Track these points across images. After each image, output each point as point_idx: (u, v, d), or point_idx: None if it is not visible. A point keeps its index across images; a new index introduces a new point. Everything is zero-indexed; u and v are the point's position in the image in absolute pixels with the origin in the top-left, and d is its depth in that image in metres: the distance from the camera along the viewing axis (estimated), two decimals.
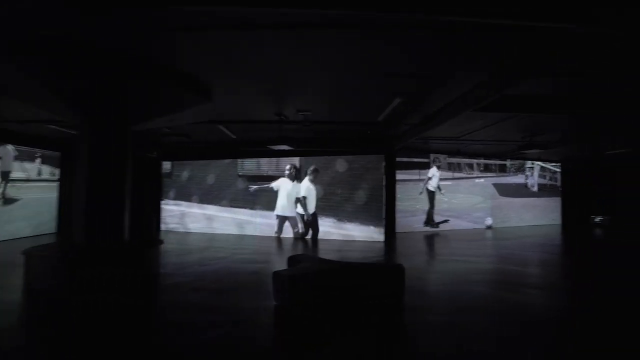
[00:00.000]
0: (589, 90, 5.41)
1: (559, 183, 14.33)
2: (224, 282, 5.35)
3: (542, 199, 14.04)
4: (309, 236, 10.25)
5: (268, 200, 10.74)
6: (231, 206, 11.13)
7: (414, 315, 3.97)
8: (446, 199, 12.13)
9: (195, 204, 11.50)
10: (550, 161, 14.08)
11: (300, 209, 10.30)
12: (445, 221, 11.99)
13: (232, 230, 11.01)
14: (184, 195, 11.62)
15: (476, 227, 12.43)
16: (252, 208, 10.92)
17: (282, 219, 10.54)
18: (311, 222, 10.25)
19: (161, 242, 7.71)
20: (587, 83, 5.09)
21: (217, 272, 6.00)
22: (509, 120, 7.08)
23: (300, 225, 10.33)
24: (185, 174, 11.68)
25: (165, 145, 10.62)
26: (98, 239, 4.57)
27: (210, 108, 6.00)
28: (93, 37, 3.64)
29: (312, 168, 10.20)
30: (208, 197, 11.38)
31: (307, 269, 4.06)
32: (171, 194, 11.74)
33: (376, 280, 4.25)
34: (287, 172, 10.57)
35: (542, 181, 14.19)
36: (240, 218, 11.04)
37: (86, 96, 4.41)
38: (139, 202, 10.07)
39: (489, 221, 12.70)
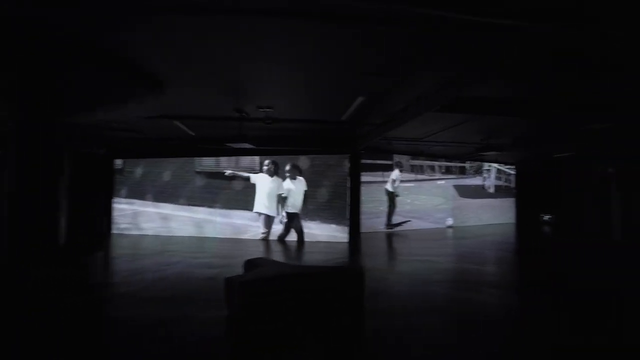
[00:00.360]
0: (543, 93, 5.56)
1: (513, 184, 15.02)
2: (176, 290, 4.96)
3: (498, 199, 14.62)
4: (288, 238, 9.70)
5: (228, 198, 10.27)
6: (189, 204, 10.55)
7: (374, 320, 3.83)
8: (409, 200, 12.27)
9: (149, 203, 10.80)
10: (506, 164, 14.72)
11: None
12: (405, 222, 12.11)
13: (190, 230, 10.43)
14: (137, 193, 10.85)
15: (438, 227, 12.70)
16: (211, 206, 10.40)
17: (265, 217, 9.88)
18: (290, 224, 9.69)
19: (102, 248, 6.98)
20: (543, 86, 5.23)
21: (168, 278, 5.58)
22: (468, 123, 7.19)
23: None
24: (138, 170, 10.91)
25: (118, 142, 9.84)
26: (24, 240, 4.03)
27: (162, 101, 5.54)
28: (16, 12, 3.14)
29: (288, 165, 9.69)
30: (163, 194, 10.70)
31: (261, 274, 3.79)
32: (123, 192, 10.93)
33: (335, 284, 4.06)
34: (265, 167, 9.89)
35: (498, 183, 14.79)
36: (198, 217, 10.47)
37: (9, 81, 3.86)
38: (85, 202, 9.30)
39: (449, 221, 13.03)
